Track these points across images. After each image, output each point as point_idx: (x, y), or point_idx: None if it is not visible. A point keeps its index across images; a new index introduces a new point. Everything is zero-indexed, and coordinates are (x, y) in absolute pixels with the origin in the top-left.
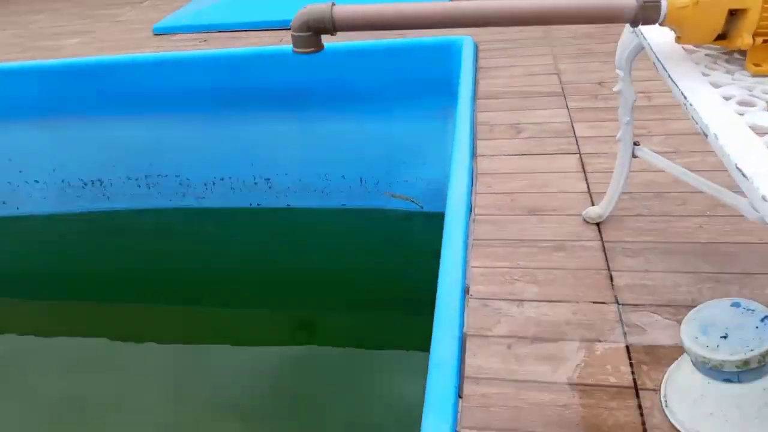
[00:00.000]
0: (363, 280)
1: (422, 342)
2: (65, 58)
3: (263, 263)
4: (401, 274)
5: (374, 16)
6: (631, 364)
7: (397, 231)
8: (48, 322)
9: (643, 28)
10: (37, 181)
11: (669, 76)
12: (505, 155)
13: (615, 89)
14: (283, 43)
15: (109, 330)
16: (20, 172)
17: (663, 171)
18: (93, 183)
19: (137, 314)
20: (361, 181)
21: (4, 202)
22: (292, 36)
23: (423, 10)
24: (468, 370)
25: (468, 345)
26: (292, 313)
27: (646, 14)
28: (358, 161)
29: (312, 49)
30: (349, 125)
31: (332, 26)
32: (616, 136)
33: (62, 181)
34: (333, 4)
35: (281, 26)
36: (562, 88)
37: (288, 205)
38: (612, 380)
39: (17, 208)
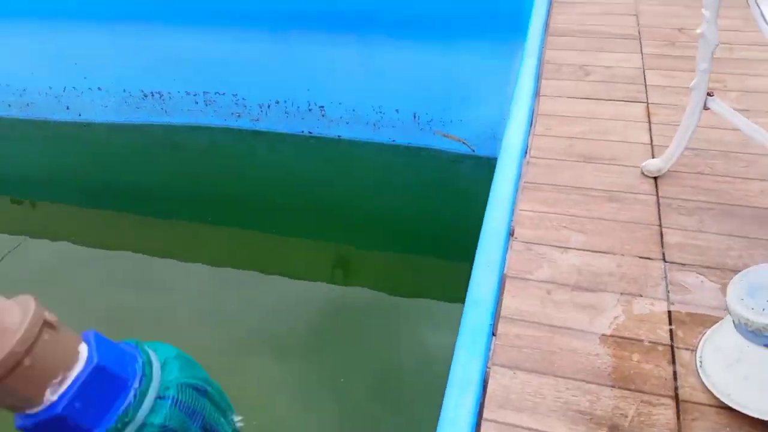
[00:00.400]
0: (407, 220)
1: (461, 285)
2: None
3: (310, 192)
4: (447, 217)
5: None
6: (670, 323)
7: (446, 173)
8: (98, 231)
9: None
10: (99, 89)
11: (762, 15)
12: (569, 98)
13: (698, 31)
14: None
15: (156, 244)
16: (84, 78)
17: (733, 129)
18: (153, 95)
19: (184, 230)
20: (415, 117)
21: (68, 107)
22: None
23: None
24: (504, 311)
25: (507, 286)
26: (333, 245)
27: None
28: (413, 95)
29: None
30: (407, 54)
31: None
32: (689, 86)
33: (124, 90)
34: None
35: None
36: (639, 31)
37: (339, 136)
38: (648, 336)
39: (80, 115)
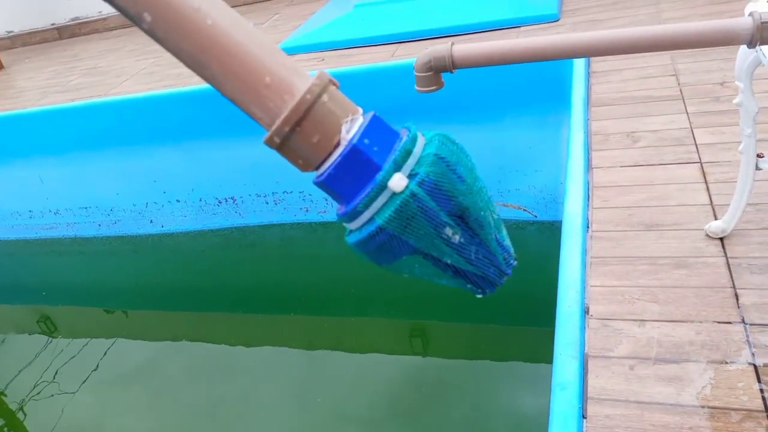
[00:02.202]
0: None
1: (538, 352)
2: (199, 84)
3: (380, 274)
4: (517, 282)
5: (490, 52)
6: (760, 386)
7: (512, 240)
8: (184, 329)
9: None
10: (178, 201)
11: None
12: (621, 167)
13: (735, 102)
14: (395, 57)
15: (239, 336)
16: (164, 192)
17: None
18: (226, 201)
19: (264, 322)
20: None
21: (151, 221)
22: (416, 76)
23: (539, 44)
24: (591, 391)
25: (590, 366)
26: (409, 322)
27: (765, 35)
28: None
29: (434, 87)
30: (458, 135)
31: (451, 64)
32: (739, 144)
33: (200, 199)
34: (452, 44)
35: (392, 40)
36: (681, 91)
37: None
38: (740, 402)
39: (162, 226)
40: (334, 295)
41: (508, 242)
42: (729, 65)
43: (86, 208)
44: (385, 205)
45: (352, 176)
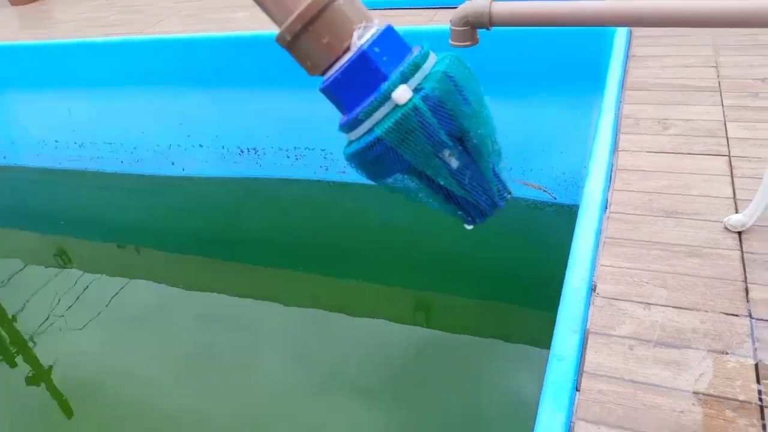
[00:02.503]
0: (488, 266)
1: (541, 334)
2: (235, 31)
3: (393, 241)
4: (529, 262)
5: (531, 13)
6: (758, 381)
7: (527, 220)
8: (194, 275)
9: None
10: (201, 145)
11: None
12: (648, 152)
13: None
14: (433, 22)
15: (246, 287)
16: (188, 136)
17: None
18: (248, 151)
19: (273, 276)
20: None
21: (173, 163)
22: (451, 30)
23: (581, 9)
24: (587, 366)
25: (590, 342)
26: (415, 292)
27: None
28: None
29: (468, 42)
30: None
31: (489, 21)
32: None
33: (222, 147)
34: (492, 0)
35: (432, 5)
36: (719, 83)
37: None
38: (736, 394)
39: (183, 169)
40: (345, 258)
41: (504, 176)
42: None
43: (111, 143)
44: (386, 116)
45: (357, 83)
